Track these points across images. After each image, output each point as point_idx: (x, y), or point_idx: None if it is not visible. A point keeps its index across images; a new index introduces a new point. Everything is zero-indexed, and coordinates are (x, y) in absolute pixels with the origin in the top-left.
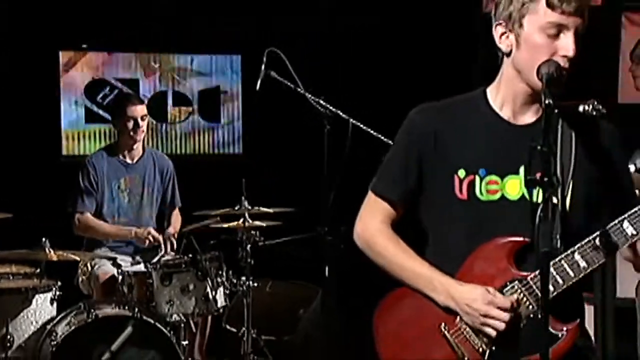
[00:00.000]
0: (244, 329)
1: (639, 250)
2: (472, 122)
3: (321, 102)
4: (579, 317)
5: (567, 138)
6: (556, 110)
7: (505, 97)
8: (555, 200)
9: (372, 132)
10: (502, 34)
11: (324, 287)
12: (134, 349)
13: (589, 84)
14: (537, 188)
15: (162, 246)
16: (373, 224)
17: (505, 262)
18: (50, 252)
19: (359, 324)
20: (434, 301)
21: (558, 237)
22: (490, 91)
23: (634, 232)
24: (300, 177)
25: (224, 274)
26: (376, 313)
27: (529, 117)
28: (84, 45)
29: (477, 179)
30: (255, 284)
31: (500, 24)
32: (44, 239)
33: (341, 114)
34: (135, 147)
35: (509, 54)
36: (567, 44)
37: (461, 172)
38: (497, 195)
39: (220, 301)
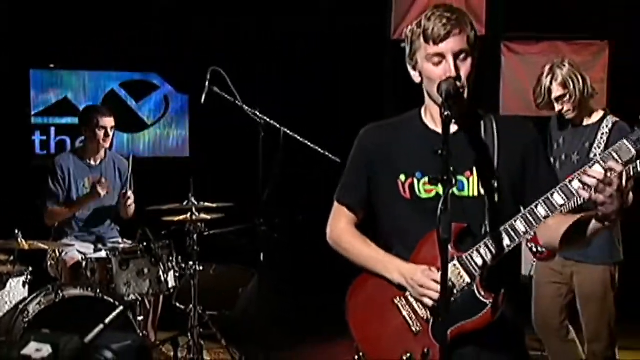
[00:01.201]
0: (191, 306)
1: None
2: (408, 135)
3: (257, 113)
4: (506, 289)
5: (490, 139)
6: (453, 120)
7: (431, 114)
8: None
9: (300, 138)
10: (411, 69)
11: (259, 270)
12: (95, 324)
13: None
14: (439, 185)
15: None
16: (339, 226)
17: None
18: (22, 242)
19: (288, 300)
20: (389, 281)
21: (487, 223)
22: (423, 110)
23: (546, 214)
24: (239, 177)
25: (174, 259)
26: (348, 294)
27: (453, 129)
28: (51, 65)
29: (416, 181)
30: (201, 268)
31: (408, 62)
32: (16, 231)
33: (274, 123)
34: (99, 152)
35: (421, 84)
36: (447, 68)
37: (402, 177)
38: (433, 194)
39: (171, 282)
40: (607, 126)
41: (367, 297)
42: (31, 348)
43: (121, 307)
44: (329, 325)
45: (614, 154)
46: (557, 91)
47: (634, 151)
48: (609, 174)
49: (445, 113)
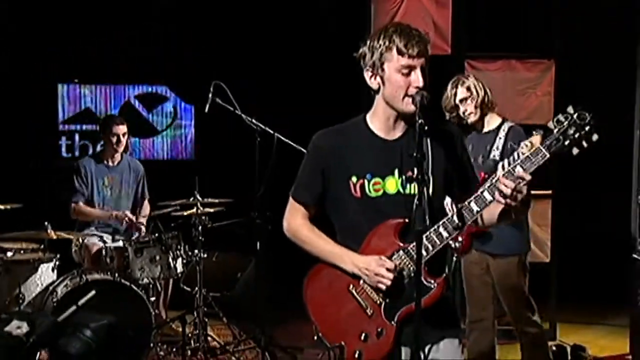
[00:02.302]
0: (196, 288)
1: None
2: (358, 140)
3: (253, 121)
4: (445, 273)
5: (426, 144)
6: (426, 127)
7: (379, 120)
8: (426, 191)
9: (291, 143)
10: (371, 76)
11: (256, 257)
12: (114, 304)
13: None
14: (413, 183)
15: (134, 227)
16: (295, 221)
17: (392, 238)
18: (51, 232)
19: (281, 284)
20: (344, 270)
21: (427, 217)
22: (369, 117)
23: (478, 209)
24: (237, 176)
25: (182, 248)
26: (305, 283)
27: (397, 133)
28: (76, 80)
29: (366, 181)
30: (205, 255)
31: (368, 69)
32: (46, 223)
33: (269, 129)
34: (116, 155)
35: (378, 91)
36: (416, 79)
37: (354, 178)
38: (381, 192)
39: (179, 268)
40: (504, 130)
41: (323, 285)
42: (13, 325)
43: (93, 291)
44: None
45: (532, 158)
46: (461, 93)
47: (548, 154)
48: (519, 183)
49: (420, 121)
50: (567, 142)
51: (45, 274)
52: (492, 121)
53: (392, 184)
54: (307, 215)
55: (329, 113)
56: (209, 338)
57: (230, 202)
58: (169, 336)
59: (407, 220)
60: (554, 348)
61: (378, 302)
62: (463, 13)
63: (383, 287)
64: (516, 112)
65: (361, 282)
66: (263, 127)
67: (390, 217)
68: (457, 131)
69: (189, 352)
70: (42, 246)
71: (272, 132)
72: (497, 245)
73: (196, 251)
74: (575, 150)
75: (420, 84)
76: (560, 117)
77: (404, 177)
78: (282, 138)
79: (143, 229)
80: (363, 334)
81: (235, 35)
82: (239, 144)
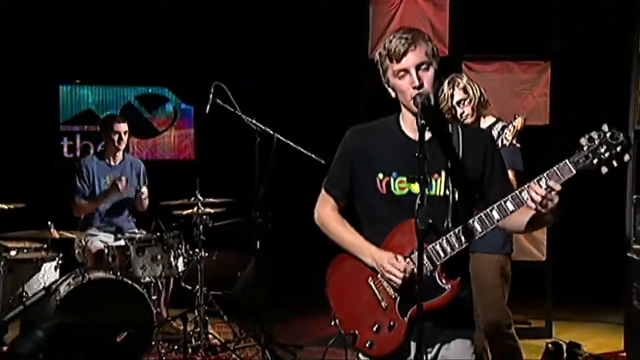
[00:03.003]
0: (197, 287)
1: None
2: (387, 139)
3: (253, 121)
4: (461, 276)
5: (457, 146)
6: (427, 128)
7: (407, 121)
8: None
9: (291, 143)
10: (387, 86)
11: (256, 256)
12: (116, 302)
13: None
14: (415, 183)
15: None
16: (325, 211)
17: (414, 236)
18: (53, 232)
19: (281, 283)
20: (364, 263)
21: (449, 219)
22: (400, 117)
23: (499, 217)
24: (238, 176)
25: (183, 247)
26: (328, 271)
27: (427, 135)
28: (77, 81)
29: (392, 179)
30: (206, 254)
31: (384, 81)
32: (49, 222)
33: (268, 130)
34: (117, 153)
35: (396, 97)
36: (411, 80)
37: (380, 175)
38: (405, 191)
39: (180, 267)
40: (497, 129)
41: (344, 275)
42: None
43: (43, 291)
44: (314, 303)
45: (558, 172)
46: (458, 95)
47: (574, 171)
48: (550, 192)
49: (421, 122)
50: (595, 161)
51: (48, 272)
52: (486, 121)
53: (417, 184)
54: (336, 207)
55: (328, 113)
56: (210, 336)
57: (230, 202)
58: (169, 334)
59: (431, 220)
60: (550, 345)
61: (393, 296)
62: (460, 15)
63: (394, 284)
64: (513, 112)
65: (379, 275)
66: (263, 127)
67: (413, 216)
68: (487, 135)
69: (190, 350)
70: (44, 245)
71: (272, 132)
72: (476, 241)
73: (197, 250)
74: (604, 169)
75: (416, 83)
76: (593, 134)
77: (429, 178)
78: (282, 138)
79: (147, 202)
80: (376, 325)
81: (234, 35)
82: (239, 144)
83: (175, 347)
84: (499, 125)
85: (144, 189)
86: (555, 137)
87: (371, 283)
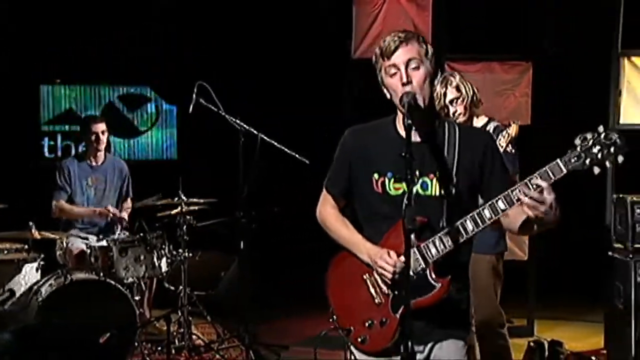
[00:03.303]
0: (181, 287)
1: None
2: (383, 139)
3: (237, 121)
4: (455, 275)
5: (453, 145)
6: (413, 127)
7: (401, 123)
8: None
9: (275, 143)
10: (382, 87)
11: (239, 256)
12: (99, 303)
13: None
14: (432, 185)
15: (117, 224)
16: (325, 209)
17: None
18: (35, 232)
19: (265, 283)
20: (361, 259)
21: (444, 219)
22: (397, 117)
23: (490, 216)
24: (222, 176)
25: (167, 247)
26: (329, 266)
27: (417, 135)
28: (58, 80)
29: (387, 179)
30: (189, 254)
31: (380, 82)
32: (30, 223)
33: (252, 130)
34: (99, 154)
35: (391, 98)
36: (401, 76)
37: (376, 175)
38: (400, 191)
39: (164, 267)
40: (490, 129)
41: (343, 270)
42: None
43: (8, 293)
44: (299, 303)
45: (549, 172)
46: (451, 94)
47: (565, 170)
48: (540, 192)
49: (408, 122)
50: (588, 160)
51: (30, 273)
52: (478, 121)
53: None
54: (336, 205)
55: (312, 113)
56: (193, 336)
57: (214, 202)
58: (152, 335)
59: (426, 219)
60: (532, 344)
61: (387, 293)
62: (443, 15)
63: (385, 279)
64: (495, 112)
65: (374, 272)
66: (247, 127)
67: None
68: (487, 136)
69: (174, 351)
70: (25, 246)
71: (255, 132)
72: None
73: (180, 250)
74: (596, 170)
75: (405, 79)
76: (588, 134)
77: (424, 178)
78: (266, 138)
79: (125, 224)
80: (369, 321)
81: (217, 35)
82: (223, 144)
83: (159, 348)
84: (492, 125)
85: (128, 202)
86: (536, 137)
87: (367, 280)
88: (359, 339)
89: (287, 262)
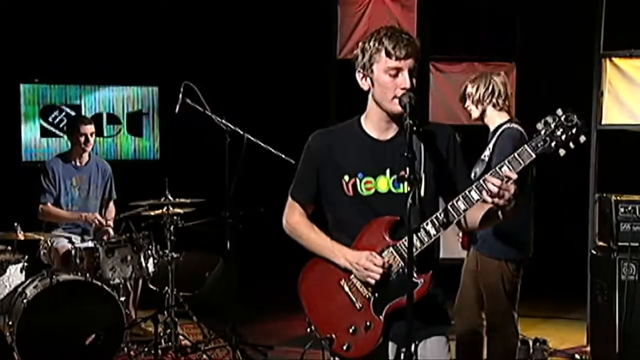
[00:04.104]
0: (167, 288)
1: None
2: (351, 141)
3: (223, 121)
4: (432, 270)
5: (418, 145)
6: (415, 128)
7: (372, 121)
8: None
9: (261, 143)
10: (361, 77)
11: (226, 256)
12: (86, 304)
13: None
14: (404, 183)
15: (103, 229)
16: (292, 218)
17: (383, 234)
18: (19, 233)
19: (250, 282)
20: (336, 265)
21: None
22: (363, 118)
23: (465, 207)
24: (208, 175)
25: (153, 248)
26: (300, 276)
27: (390, 134)
28: (36, 80)
29: (358, 180)
30: (176, 255)
31: (359, 71)
32: (15, 223)
33: (238, 130)
34: (84, 155)
35: (368, 92)
36: (403, 81)
37: (346, 177)
38: (372, 191)
39: (151, 268)
40: (500, 131)
41: (317, 278)
42: None
43: None
44: (285, 303)
45: (518, 158)
46: (466, 89)
47: (534, 155)
48: (507, 181)
49: (409, 121)
50: (553, 144)
51: (14, 275)
52: (496, 121)
53: (383, 183)
54: (303, 212)
55: (295, 114)
56: (180, 337)
57: (201, 202)
58: (138, 336)
59: (398, 218)
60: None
61: (367, 296)
62: (428, 16)
63: (372, 281)
64: None
65: (352, 276)
66: (233, 127)
67: (382, 215)
68: (449, 132)
69: (160, 352)
70: (9, 247)
71: (241, 132)
72: (482, 244)
73: (167, 251)
74: (562, 152)
75: (407, 85)
76: (548, 118)
77: (395, 176)
78: (252, 138)
79: (111, 231)
80: (352, 327)
81: (204, 35)
82: (209, 144)
83: (146, 349)
84: (505, 126)
85: (111, 208)
86: None
87: (344, 285)
88: (344, 347)
89: (274, 262)
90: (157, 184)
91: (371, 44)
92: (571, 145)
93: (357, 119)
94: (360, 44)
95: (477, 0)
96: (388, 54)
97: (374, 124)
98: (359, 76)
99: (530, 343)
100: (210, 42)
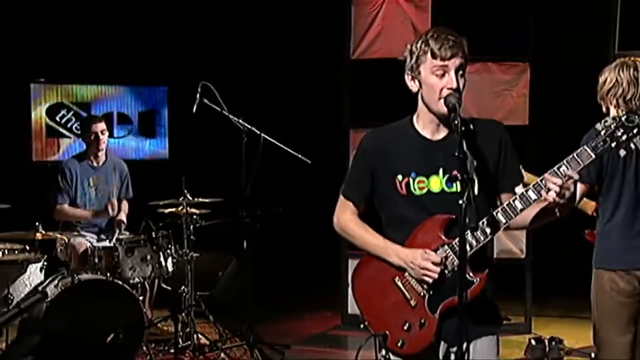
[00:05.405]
0: (183, 287)
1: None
2: (404, 140)
3: (240, 121)
4: (488, 269)
5: (472, 141)
6: (463, 128)
7: (423, 121)
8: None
9: (277, 143)
10: (410, 79)
11: (242, 255)
12: (107, 304)
13: None
14: (456, 182)
15: (116, 226)
16: (344, 216)
17: (437, 233)
18: (40, 232)
19: (264, 281)
20: (389, 263)
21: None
22: (415, 118)
23: (522, 207)
24: (225, 175)
25: (172, 247)
26: (353, 273)
27: (441, 134)
28: (42, 79)
29: (411, 180)
30: (197, 255)
31: (408, 72)
32: (37, 223)
33: (255, 130)
34: (99, 154)
35: (417, 93)
36: (450, 81)
37: (399, 176)
38: (425, 191)
39: (170, 267)
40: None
41: (370, 276)
42: None
43: (38, 295)
44: (300, 302)
45: (577, 158)
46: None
47: (593, 155)
48: (568, 181)
49: (455, 122)
50: (614, 144)
51: (34, 274)
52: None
53: (436, 183)
54: (355, 211)
55: (311, 116)
56: (197, 336)
57: (219, 202)
58: (155, 335)
59: (453, 217)
60: (532, 341)
61: (422, 294)
62: (442, 16)
63: (429, 280)
64: (493, 112)
65: (406, 274)
66: (250, 127)
67: (435, 214)
68: (500, 127)
69: (178, 351)
70: (26, 246)
71: (258, 132)
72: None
73: (187, 250)
74: (622, 152)
75: (453, 85)
76: (608, 119)
77: (448, 176)
78: (269, 138)
79: (124, 226)
80: (406, 324)
81: (220, 35)
82: (227, 144)
83: (165, 348)
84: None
85: (125, 204)
86: (533, 137)
87: (398, 282)
88: (398, 343)
89: (291, 262)
90: (167, 183)
91: (418, 45)
92: (632, 146)
93: (409, 119)
94: (408, 46)
95: (491, 0)
96: (433, 55)
97: (426, 124)
98: (407, 78)
99: (546, 342)
100: (222, 42)
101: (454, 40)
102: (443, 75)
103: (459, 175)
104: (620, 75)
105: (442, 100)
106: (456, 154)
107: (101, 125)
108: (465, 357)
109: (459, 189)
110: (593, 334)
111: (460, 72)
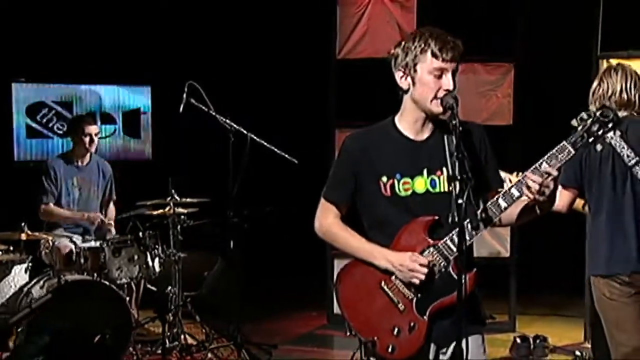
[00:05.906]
0: (170, 287)
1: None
2: (387, 142)
3: (227, 121)
4: (475, 268)
5: (454, 141)
6: (460, 128)
7: (407, 121)
8: (458, 189)
9: (264, 143)
10: (402, 76)
11: (228, 255)
12: (94, 305)
13: None
14: (441, 182)
15: (105, 229)
16: (326, 220)
17: (422, 234)
18: (26, 233)
19: (252, 281)
20: (374, 267)
21: (454, 214)
22: (397, 118)
23: (505, 205)
24: (212, 175)
25: (159, 247)
26: (336, 280)
27: (425, 134)
28: (22, 79)
29: (396, 181)
30: (183, 255)
31: (400, 70)
32: (22, 223)
33: (242, 130)
34: (87, 155)
35: (407, 91)
36: (447, 82)
37: (384, 178)
38: (410, 192)
39: (157, 268)
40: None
41: (355, 281)
42: None
43: (49, 295)
44: (288, 302)
45: (557, 155)
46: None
47: (573, 151)
48: (547, 179)
49: (453, 122)
50: (591, 139)
51: (19, 275)
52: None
53: (420, 184)
54: (338, 214)
55: (296, 116)
56: (184, 336)
57: (206, 202)
58: (142, 335)
59: (436, 218)
60: (517, 340)
61: (409, 297)
62: (427, 17)
63: (417, 282)
64: (478, 113)
65: (392, 277)
66: (237, 127)
67: (420, 215)
68: (480, 129)
69: (165, 351)
70: (10, 247)
71: (245, 132)
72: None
73: (174, 250)
74: (599, 147)
75: (451, 87)
76: (584, 114)
77: (432, 176)
78: (256, 138)
79: (112, 230)
80: (395, 329)
81: (206, 35)
82: (213, 144)
83: (152, 349)
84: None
85: (111, 206)
86: (517, 137)
87: (385, 287)
88: (388, 349)
89: (278, 261)
90: (151, 184)
91: (416, 43)
92: (608, 140)
93: (390, 120)
94: (402, 42)
95: (476, 1)
96: (434, 55)
97: (409, 125)
98: (398, 75)
99: (531, 340)
100: (208, 41)
101: (454, 42)
102: (440, 76)
103: (451, 175)
104: (599, 79)
105: (436, 101)
106: (455, 153)
107: (95, 128)
108: (462, 357)
109: (442, 189)
110: (608, 340)
111: (455, 75)
